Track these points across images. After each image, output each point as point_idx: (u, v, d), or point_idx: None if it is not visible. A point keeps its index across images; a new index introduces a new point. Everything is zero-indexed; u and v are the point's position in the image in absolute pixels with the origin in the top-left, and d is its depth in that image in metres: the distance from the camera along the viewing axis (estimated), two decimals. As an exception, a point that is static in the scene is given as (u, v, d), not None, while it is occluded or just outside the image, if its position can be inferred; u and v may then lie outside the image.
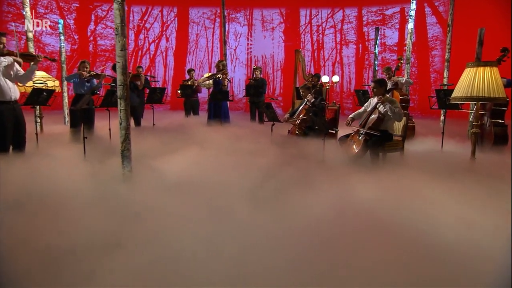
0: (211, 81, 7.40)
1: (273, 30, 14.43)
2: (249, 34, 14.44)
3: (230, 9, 14.01)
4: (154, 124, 5.93)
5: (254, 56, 14.48)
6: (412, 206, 2.47)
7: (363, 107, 4.64)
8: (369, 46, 13.89)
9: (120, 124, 3.41)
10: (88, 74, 4.97)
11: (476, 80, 3.78)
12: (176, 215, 2.36)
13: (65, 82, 7.47)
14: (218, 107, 7.11)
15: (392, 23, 13.64)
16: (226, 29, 14.09)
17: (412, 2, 8.14)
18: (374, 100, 4.43)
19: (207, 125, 7.00)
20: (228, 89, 7.63)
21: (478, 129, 4.02)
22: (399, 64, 6.90)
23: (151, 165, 3.64)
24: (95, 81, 5.14)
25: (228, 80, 7.28)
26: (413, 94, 12.72)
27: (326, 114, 5.55)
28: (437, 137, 5.65)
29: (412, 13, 7.99)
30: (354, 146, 4.21)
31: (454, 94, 3.97)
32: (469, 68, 3.89)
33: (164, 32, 14.02)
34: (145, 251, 1.87)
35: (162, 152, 4.13)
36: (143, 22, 13.73)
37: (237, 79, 14.25)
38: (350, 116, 4.54)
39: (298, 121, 5.44)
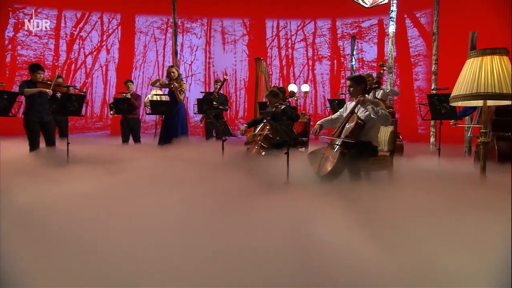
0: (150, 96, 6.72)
1: (235, 43, 14.05)
2: (207, 47, 13.97)
3: (184, 18, 13.57)
4: (68, 143, 5.06)
5: (214, 72, 13.96)
6: (421, 257, 1.72)
7: (337, 113, 4.03)
8: (344, 62, 13.73)
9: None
10: None
11: (482, 73, 3.26)
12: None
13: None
14: (173, 124, 6.20)
15: (370, 36, 13.62)
16: (180, 40, 13.66)
17: (393, 4, 7.92)
18: (351, 105, 3.84)
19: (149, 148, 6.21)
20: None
21: (486, 137, 3.47)
22: (381, 71, 6.41)
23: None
24: None
25: (183, 91, 6.41)
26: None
27: (295, 127, 4.92)
28: (428, 156, 5.13)
29: (393, 14, 7.73)
30: (328, 163, 3.54)
31: (454, 93, 3.43)
32: (471, 59, 3.38)
33: (104, 43, 13.28)
34: None
35: (55, 179, 3.27)
36: (78, 30, 12.96)
37: (193, 99, 13.56)
38: (317, 123, 3.91)
39: (260, 137, 4.76)
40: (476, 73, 3.29)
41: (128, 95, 7.42)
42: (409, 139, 11.05)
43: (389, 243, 1.78)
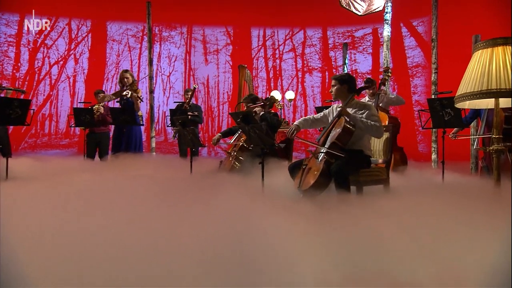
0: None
1: (218, 53, 13.78)
2: (187, 57, 13.67)
3: (162, 26, 13.32)
4: (9, 157, 4.60)
5: (194, 84, 13.63)
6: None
7: (320, 113, 3.67)
8: (337, 74, 13.52)
9: None
10: None
11: (493, 66, 2.93)
12: None
13: None
14: (126, 135, 6.01)
15: (364, 46, 13.47)
16: (158, 50, 13.37)
17: (387, 7, 7.70)
18: (339, 107, 3.47)
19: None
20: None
21: (499, 144, 3.10)
22: (387, 78, 6.09)
23: None
24: None
25: (141, 99, 6.16)
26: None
27: (276, 137, 4.53)
28: (430, 170, 4.79)
29: (388, 17, 7.50)
30: (310, 175, 3.14)
31: (460, 91, 3.10)
32: (480, 51, 3.06)
33: (72, 52, 12.88)
34: None
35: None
36: (43, 37, 12.57)
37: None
38: (294, 123, 3.55)
39: (235, 148, 4.36)
40: (486, 67, 2.96)
41: (101, 108, 6.96)
42: (408, 158, 10.70)
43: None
